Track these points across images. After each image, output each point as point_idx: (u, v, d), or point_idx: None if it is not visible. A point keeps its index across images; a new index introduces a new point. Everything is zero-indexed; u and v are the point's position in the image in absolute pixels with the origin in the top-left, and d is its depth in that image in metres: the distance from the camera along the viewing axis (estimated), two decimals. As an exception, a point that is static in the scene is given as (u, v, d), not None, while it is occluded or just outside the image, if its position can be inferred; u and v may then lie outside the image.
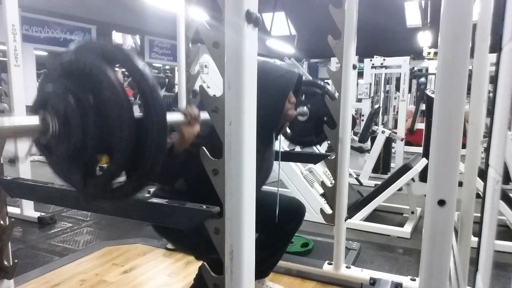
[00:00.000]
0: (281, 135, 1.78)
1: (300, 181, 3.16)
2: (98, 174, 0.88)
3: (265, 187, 1.69)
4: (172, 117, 1.08)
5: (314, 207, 3.06)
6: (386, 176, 3.96)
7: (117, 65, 0.88)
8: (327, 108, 1.83)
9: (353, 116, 2.57)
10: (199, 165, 0.95)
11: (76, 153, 0.83)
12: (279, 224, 1.61)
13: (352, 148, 4.24)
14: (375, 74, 6.48)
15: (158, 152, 0.86)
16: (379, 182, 3.40)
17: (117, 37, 8.12)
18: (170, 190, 1.43)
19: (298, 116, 1.89)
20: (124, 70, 0.88)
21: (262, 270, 1.75)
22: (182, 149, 1.15)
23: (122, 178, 0.90)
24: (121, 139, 0.82)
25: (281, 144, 3.41)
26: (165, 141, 0.89)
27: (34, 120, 0.83)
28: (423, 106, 7.29)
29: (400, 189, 2.96)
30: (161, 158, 0.88)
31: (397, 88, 7.14)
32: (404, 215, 3.20)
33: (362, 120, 5.02)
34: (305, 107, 1.92)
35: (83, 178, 0.87)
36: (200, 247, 1.23)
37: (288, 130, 2.05)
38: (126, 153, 0.83)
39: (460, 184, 1.00)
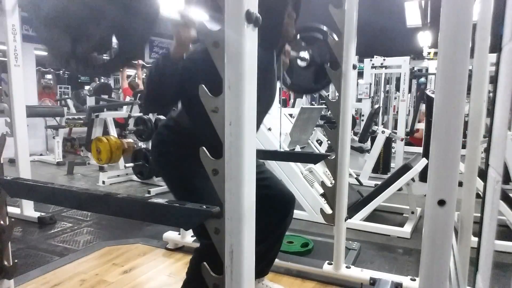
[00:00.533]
0: (282, 82, 1.68)
1: (300, 181, 3.16)
2: (86, 39, 0.84)
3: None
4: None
5: (314, 207, 3.06)
6: (386, 176, 3.96)
7: None
8: (328, 54, 1.75)
9: (353, 116, 2.56)
10: (197, 85, 0.91)
11: (64, 12, 0.79)
12: (269, 209, 1.57)
13: (352, 148, 4.23)
14: (375, 74, 6.48)
15: (148, 16, 0.82)
16: (379, 182, 3.40)
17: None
18: (177, 129, 1.39)
19: (298, 60, 1.82)
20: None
21: (260, 268, 1.74)
22: (179, 54, 1.12)
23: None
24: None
25: (281, 144, 3.41)
26: (157, 7, 0.85)
27: None
28: (423, 106, 7.30)
29: (400, 189, 2.96)
30: (152, 24, 0.84)
31: (397, 88, 7.13)
32: (404, 215, 3.20)
33: (362, 120, 5.02)
34: (306, 52, 1.85)
35: (72, 42, 0.82)
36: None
37: (287, 77, 1.95)
38: (116, 14, 0.79)
39: (460, 184, 1.00)
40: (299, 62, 1.83)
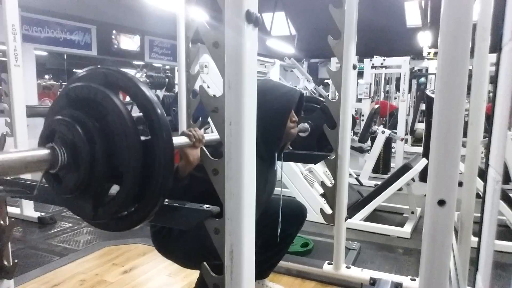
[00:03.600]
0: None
1: (300, 181, 3.15)
2: (108, 202, 0.88)
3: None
4: (177, 140, 1.08)
5: (314, 207, 3.06)
6: (386, 176, 3.95)
7: (120, 91, 0.87)
8: (327, 122, 1.83)
9: (353, 116, 2.57)
10: (203, 187, 0.95)
11: (85, 182, 0.84)
12: (282, 227, 1.60)
13: (352, 148, 4.23)
14: (375, 74, 6.47)
15: (166, 176, 0.86)
16: (379, 182, 3.40)
17: (117, 37, 8.12)
18: None
19: (299, 132, 1.88)
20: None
21: (262, 271, 1.75)
22: (187, 172, 1.15)
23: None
24: (129, 166, 0.83)
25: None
26: (173, 165, 0.89)
27: (42, 153, 0.84)
28: (423, 106, 7.30)
29: (400, 189, 2.95)
30: (169, 183, 0.87)
31: (397, 88, 7.13)
32: (404, 215, 3.20)
33: (362, 120, 5.02)
34: (305, 123, 1.91)
35: (93, 207, 0.87)
36: (198, 254, 1.22)
37: (290, 148, 2.04)
38: (135, 179, 0.84)
39: (460, 184, 1.00)
40: (300, 133, 1.87)
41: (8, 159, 0.77)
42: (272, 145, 1.45)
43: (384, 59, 5.44)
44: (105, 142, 0.83)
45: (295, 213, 1.70)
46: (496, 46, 1.01)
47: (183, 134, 1.13)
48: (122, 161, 0.83)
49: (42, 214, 2.98)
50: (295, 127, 1.51)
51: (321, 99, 2.06)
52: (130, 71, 7.12)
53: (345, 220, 1.96)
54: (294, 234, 1.74)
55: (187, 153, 1.12)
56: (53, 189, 0.91)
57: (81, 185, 0.84)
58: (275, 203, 1.62)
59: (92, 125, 0.83)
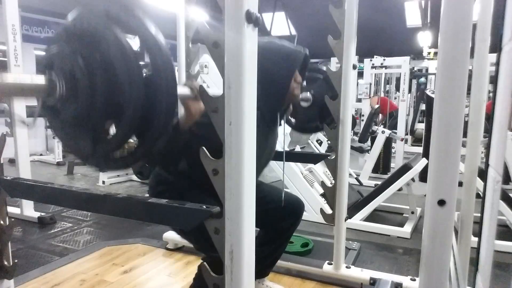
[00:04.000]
0: (285, 123, 1.72)
1: (300, 181, 3.16)
2: (107, 139, 0.84)
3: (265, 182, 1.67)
4: (179, 90, 1.06)
5: (314, 207, 3.06)
6: (386, 176, 3.95)
7: (121, 24, 0.84)
8: (329, 92, 1.79)
9: (353, 116, 2.57)
10: (203, 145, 0.92)
11: (84, 115, 0.80)
12: (277, 220, 1.59)
13: (352, 148, 4.23)
14: (375, 74, 6.48)
15: (168, 112, 0.83)
16: (379, 182, 3.40)
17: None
18: (172, 170, 1.38)
19: (301, 102, 1.85)
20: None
21: (262, 269, 1.74)
22: (187, 126, 1.11)
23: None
24: (130, 99, 0.79)
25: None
26: (176, 100, 0.85)
27: (40, 80, 0.81)
28: (423, 106, 7.30)
29: (400, 189, 2.96)
30: (171, 120, 0.84)
31: (397, 88, 7.14)
32: (404, 215, 3.20)
33: (362, 120, 5.02)
34: (307, 93, 1.88)
35: (92, 143, 0.83)
36: (204, 244, 1.20)
37: (292, 119, 2.00)
38: (136, 113, 0.80)
39: (460, 184, 1.00)
40: (302, 103, 1.85)
41: (6, 81, 0.76)
42: (275, 105, 1.42)
43: (384, 59, 5.44)
44: (105, 74, 0.79)
45: (293, 205, 1.68)
46: (496, 46, 1.00)
47: (185, 85, 1.08)
48: (123, 95, 0.80)
49: (42, 214, 2.99)
50: (298, 87, 1.48)
51: (324, 69, 2.00)
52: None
53: (345, 220, 1.96)
54: (292, 228, 1.72)
55: (188, 104, 1.08)
56: (50, 123, 0.88)
57: (80, 118, 0.81)
58: (274, 191, 1.61)
59: (92, 57, 0.79)
